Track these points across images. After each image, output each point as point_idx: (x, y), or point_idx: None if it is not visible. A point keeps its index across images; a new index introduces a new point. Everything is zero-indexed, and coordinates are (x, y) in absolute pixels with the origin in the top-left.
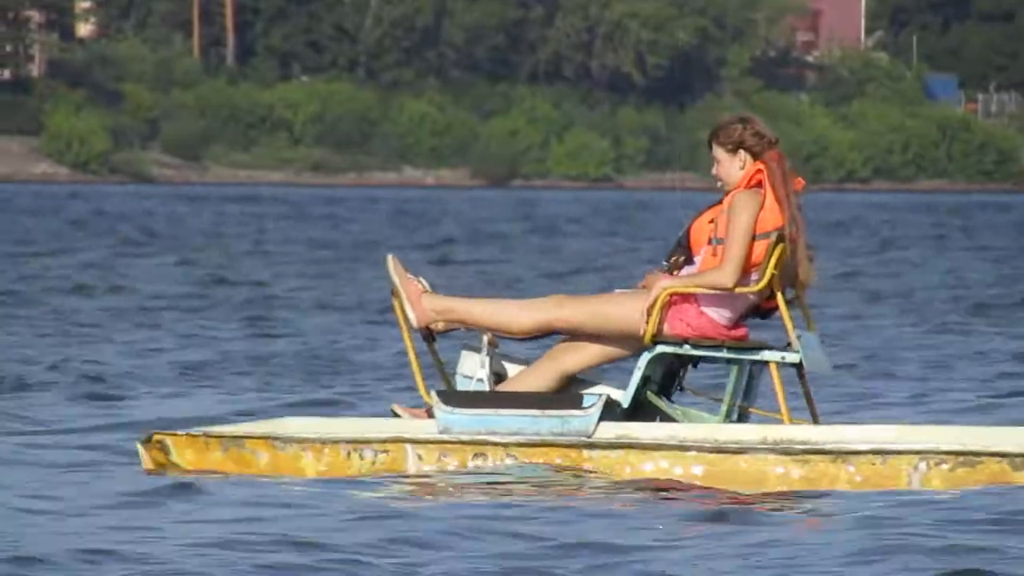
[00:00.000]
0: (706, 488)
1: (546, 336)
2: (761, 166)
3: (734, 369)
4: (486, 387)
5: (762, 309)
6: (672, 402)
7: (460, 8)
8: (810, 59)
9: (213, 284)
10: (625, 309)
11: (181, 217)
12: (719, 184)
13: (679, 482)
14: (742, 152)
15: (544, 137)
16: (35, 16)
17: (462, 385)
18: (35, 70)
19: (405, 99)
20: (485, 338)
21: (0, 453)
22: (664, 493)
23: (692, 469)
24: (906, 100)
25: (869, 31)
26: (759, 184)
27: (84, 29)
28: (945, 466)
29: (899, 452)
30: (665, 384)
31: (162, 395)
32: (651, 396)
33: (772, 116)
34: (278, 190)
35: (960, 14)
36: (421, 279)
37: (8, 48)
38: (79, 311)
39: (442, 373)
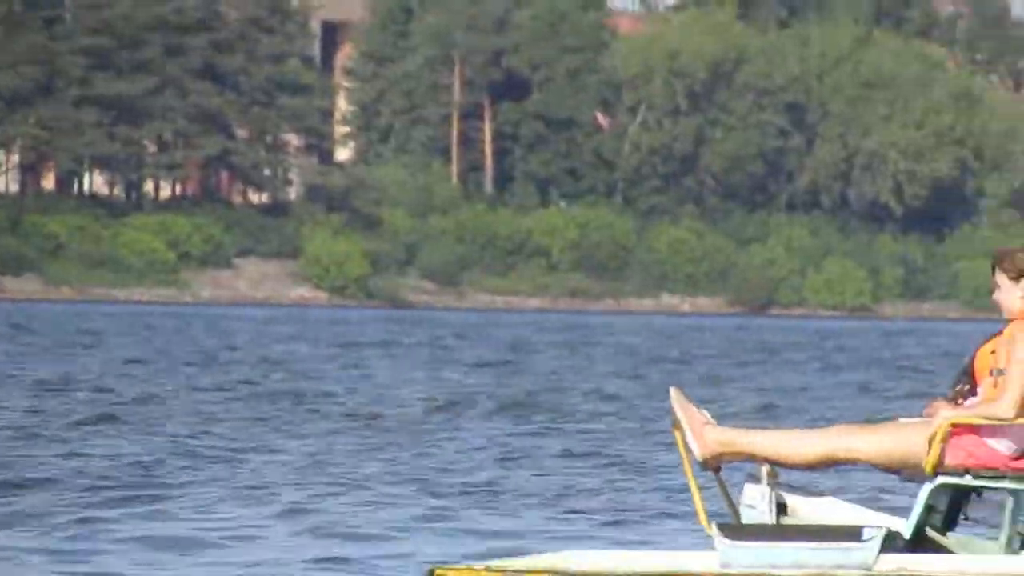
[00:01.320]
0: None
1: (830, 467)
2: None
3: (1011, 498)
4: (768, 519)
5: None
6: (953, 531)
7: (718, 136)
8: None
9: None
10: (908, 439)
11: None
12: (1005, 314)
13: None
14: None
15: (801, 265)
16: (293, 140)
17: (747, 516)
18: (293, 193)
19: (663, 225)
20: (764, 469)
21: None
22: None
23: None
24: None
25: None
26: None
27: (343, 153)
28: None
29: None
30: (949, 513)
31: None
32: (929, 531)
33: None
34: (539, 316)
35: None
36: (704, 411)
37: (267, 171)
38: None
39: (729, 504)
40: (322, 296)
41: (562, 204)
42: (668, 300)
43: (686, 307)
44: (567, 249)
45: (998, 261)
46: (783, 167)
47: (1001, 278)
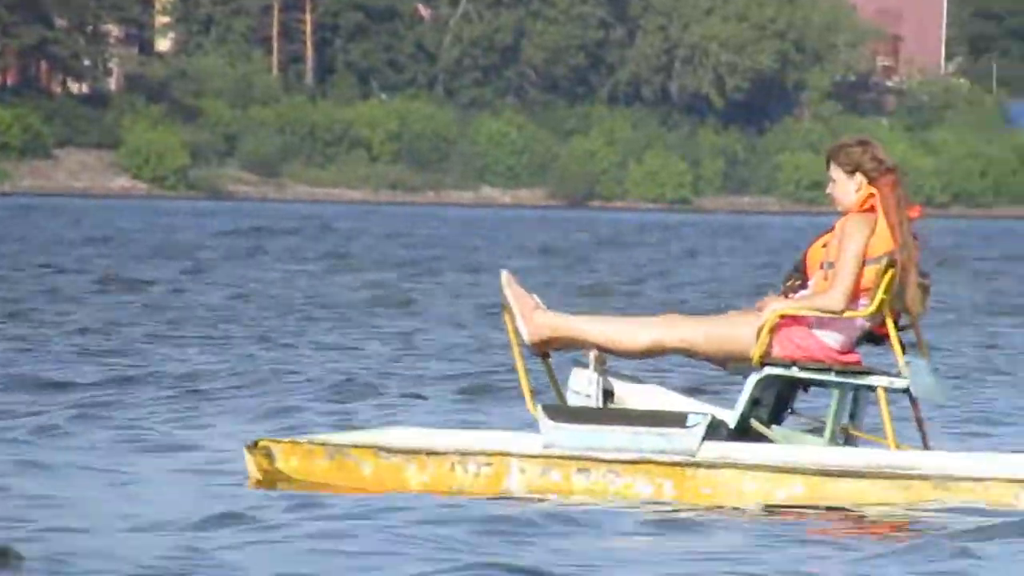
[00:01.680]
0: (807, 510)
1: (659, 356)
2: (875, 191)
3: (836, 392)
4: (594, 404)
5: (876, 335)
6: (780, 425)
7: (540, 28)
8: (890, 84)
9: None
10: (738, 330)
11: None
12: (839, 208)
13: (781, 504)
14: (859, 175)
15: (622, 158)
16: (114, 30)
17: (573, 401)
18: (113, 84)
19: (483, 118)
20: (592, 355)
21: (102, 456)
22: (766, 514)
23: (795, 491)
24: (985, 126)
25: (949, 57)
26: (873, 209)
27: (163, 44)
28: None
29: (1001, 480)
30: (776, 407)
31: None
32: (752, 421)
33: None
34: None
35: None
36: (535, 296)
37: (87, 62)
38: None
39: (556, 389)
40: (142, 187)
41: (383, 96)
42: (488, 192)
43: (507, 199)
44: (388, 141)
45: (833, 155)
46: (604, 59)
47: (836, 172)
